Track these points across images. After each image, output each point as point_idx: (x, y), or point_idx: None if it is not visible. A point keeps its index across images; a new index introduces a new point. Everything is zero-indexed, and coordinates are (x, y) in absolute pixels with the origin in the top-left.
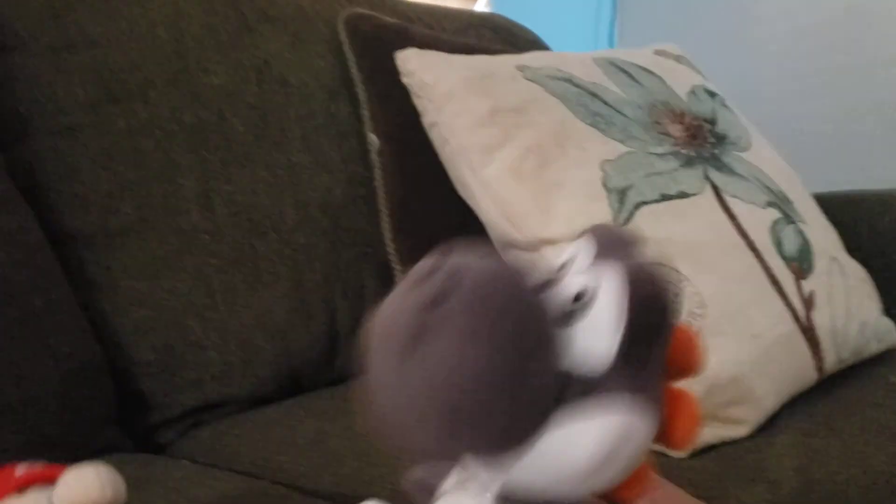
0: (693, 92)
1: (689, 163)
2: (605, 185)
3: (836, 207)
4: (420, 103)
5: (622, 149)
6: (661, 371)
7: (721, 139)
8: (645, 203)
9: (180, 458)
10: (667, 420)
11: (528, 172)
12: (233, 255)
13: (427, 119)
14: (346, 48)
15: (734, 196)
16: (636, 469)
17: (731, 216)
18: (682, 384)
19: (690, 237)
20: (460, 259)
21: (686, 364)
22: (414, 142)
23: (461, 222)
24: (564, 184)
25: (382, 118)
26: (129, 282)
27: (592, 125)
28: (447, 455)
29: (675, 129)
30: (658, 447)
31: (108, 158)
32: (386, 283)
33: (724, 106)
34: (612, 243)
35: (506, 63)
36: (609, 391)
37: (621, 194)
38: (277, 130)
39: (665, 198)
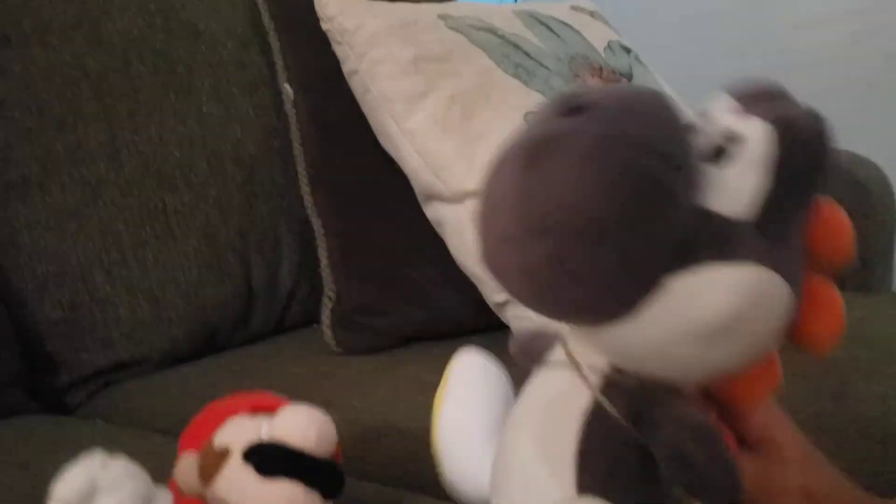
0: (609, 47)
1: None
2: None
3: None
4: (340, 50)
5: (544, 100)
6: (802, 249)
7: None
8: None
9: (93, 419)
10: (805, 314)
11: (452, 123)
12: (142, 208)
13: (347, 67)
14: None
15: None
16: (763, 363)
17: None
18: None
19: None
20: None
21: (833, 248)
22: (330, 92)
23: (382, 174)
24: (489, 135)
25: (297, 68)
26: (31, 236)
27: (515, 76)
28: (555, 297)
29: (595, 83)
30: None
31: (4, 105)
32: (303, 238)
33: (639, 61)
34: (756, 95)
35: (428, 11)
36: (749, 242)
37: None
38: (186, 79)
39: None
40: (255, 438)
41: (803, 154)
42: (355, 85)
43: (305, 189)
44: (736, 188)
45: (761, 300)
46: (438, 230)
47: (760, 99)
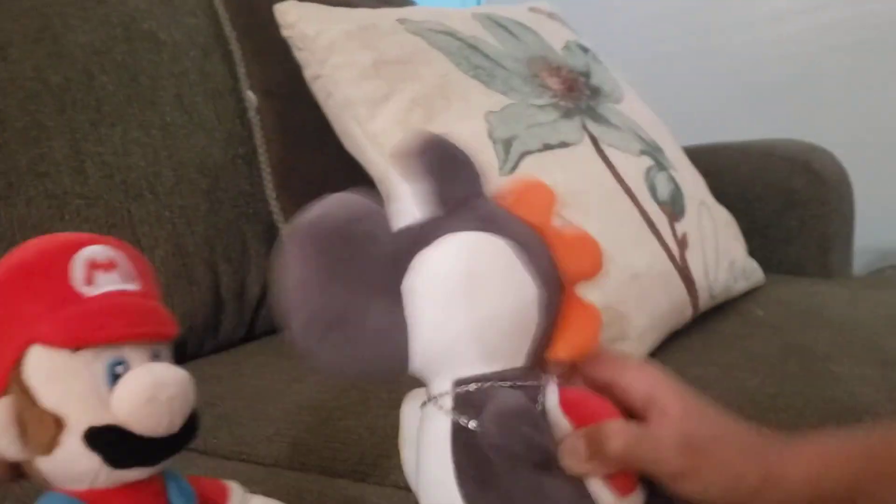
0: (567, 47)
1: (567, 114)
2: (490, 136)
3: (701, 157)
4: (301, 56)
5: (505, 101)
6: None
7: (596, 92)
8: (529, 153)
9: None
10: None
11: (414, 125)
12: (109, 219)
13: (309, 72)
14: (218, 4)
15: (610, 145)
16: (566, 314)
17: (609, 164)
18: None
19: (573, 184)
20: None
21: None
22: (293, 97)
23: (347, 177)
24: (451, 136)
25: (259, 75)
26: None
27: (475, 77)
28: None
29: (553, 82)
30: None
31: None
32: (270, 243)
33: (597, 60)
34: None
35: (387, 16)
36: (454, 224)
37: (506, 144)
38: (149, 89)
39: (547, 147)
40: (95, 413)
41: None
42: (318, 90)
43: (271, 194)
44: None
45: (482, 254)
46: None
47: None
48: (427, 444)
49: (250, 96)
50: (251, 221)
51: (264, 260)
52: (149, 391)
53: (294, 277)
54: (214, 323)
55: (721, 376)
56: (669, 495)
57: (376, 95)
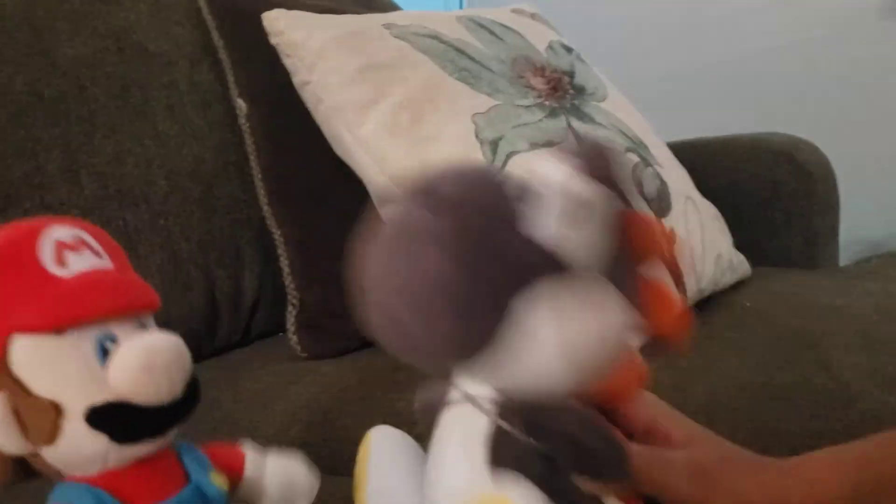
0: (551, 47)
1: (552, 113)
2: (477, 137)
3: (686, 152)
4: (290, 63)
5: (491, 102)
6: (627, 262)
7: (580, 91)
8: (516, 152)
9: None
10: (648, 311)
11: (402, 128)
12: (104, 228)
13: (298, 79)
14: (206, 14)
15: None
16: (624, 370)
17: None
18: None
19: None
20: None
21: (646, 247)
22: (282, 104)
23: (338, 181)
24: (439, 137)
25: (248, 82)
26: None
27: (461, 80)
28: (434, 354)
29: (538, 82)
30: (655, 348)
31: None
32: (264, 248)
33: (580, 59)
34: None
35: (373, 21)
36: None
37: (493, 145)
38: (141, 100)
39: (534, 146)
40: (92, 392)
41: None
42: (307, 96)
43: (263, 200)
44: (543, 226)
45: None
46: None
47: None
48: (453, 443)
49: (240, 104)
50: (245, 227)
51: (258, 264)
52: (144, 359)
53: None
54: (210, 328)
55: (709, 368)
56: None
57: (364, 100)
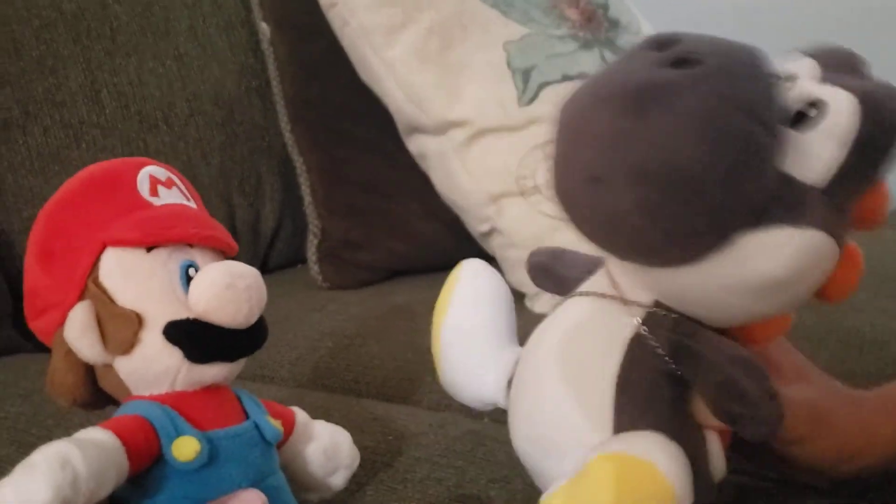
0: None
1: (586, 45)
2: (509, 66)
3: None
4: None
5: (523, 30)
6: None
7: (614, 23)
8: (548, 83)
9: None
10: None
11: (432, 54)
12: (124, 150)
13: (325, 0)
14: None
15: None
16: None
17: None
18: None
19: None
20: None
21: (872, 215)
22: (307, 28)
23: (362, 108)
24: (469, 65)
25: (272, 5)
26: (15, 179)
27: (493, 6)
28: (632, 240)
29: (572, 13)
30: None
31: None
32: (285, 177)
33: None
34: (840, 64)
35: None
36: (817, 209)
37: (525, 75)
38: (163, 19)
39: (566, 78)
40: (173, 309)
41: (885, 134)
42: (333, 18)
43: (285, 127)
44: (814, 155)
45: (817, 263)
46: (421, 163)
47: (844, 68)
48: (574, 331)
49: (263, 27)
50: (266, 155)
51: (279, 193)
52: (227, 279)
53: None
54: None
55: None
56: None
57: (392, 23)
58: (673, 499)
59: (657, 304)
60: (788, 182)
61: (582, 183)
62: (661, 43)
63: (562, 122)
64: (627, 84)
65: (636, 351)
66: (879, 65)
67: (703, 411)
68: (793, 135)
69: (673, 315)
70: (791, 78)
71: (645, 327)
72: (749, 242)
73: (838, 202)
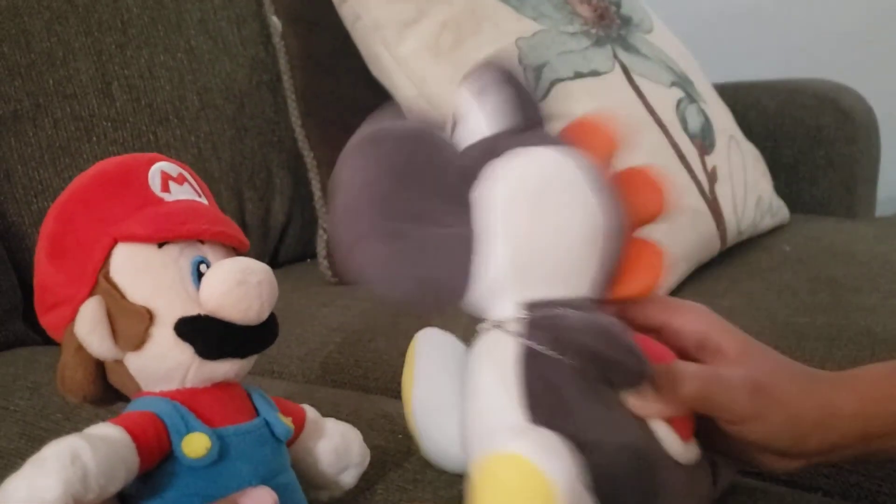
0: None
1: (598, 42)
2: (521, 62)
3: (728, 94)
4: None
5: (535, 26)
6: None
7: (626, 21)
8: (560, 80)
9: None
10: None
11: (444, 49)
12: (135, 143)
13: None
14: None
15: (641, 75)
16: (632, 255)
17: (640, 94)
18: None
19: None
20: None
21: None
22: (318, 22)
23: (373, 103)
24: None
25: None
26: (25, 171)
27: (505, 2)
28: None
29: (584, 10)
30: (618, 294)
31: None
32: (295, 172)
33: None
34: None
35: None
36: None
37: (537, 71)
38: (174, 12)
39: (578, 75)
40: (184, 305)
41: None
42: (345, 13)
43: (296, 121)
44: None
45: (554, 171)
46: None
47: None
48: (484, 370)
49: (274, 22)
50: (276, 149)
51: (289, 187)
52: (238, 275)
53: (358, 181)
54: None
55: (750, 307)
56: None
57: (405, 18)
58: (550, 493)
59: (523, 306)
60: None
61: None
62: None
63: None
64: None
65: (527, 363)
66: (880, 65)
67: (635, 400)
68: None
69: (540, 311)
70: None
71: (527, 339)
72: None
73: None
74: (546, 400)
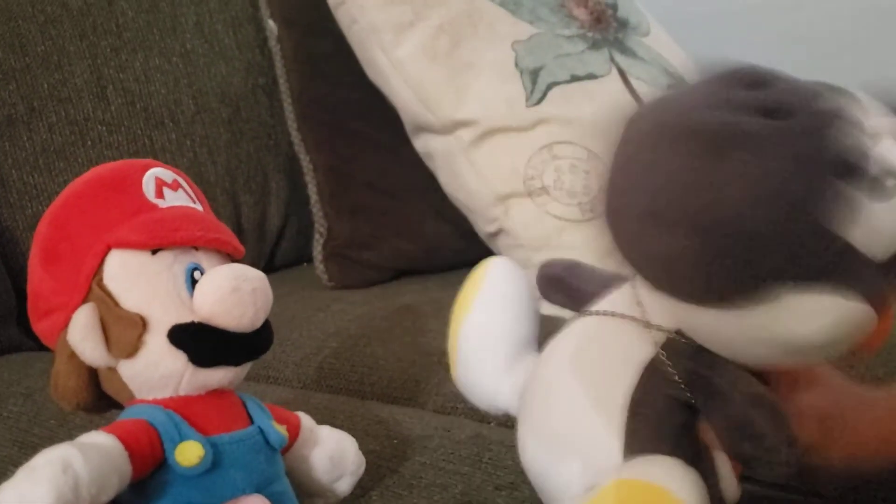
0: None
1: (595, 45)
2: (517, 66)
3: None
4: None
5: (531, 30)
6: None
7: (623, 24)
8: (556, 83)
9: None
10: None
11: (441, 53)
12: (130, 147)
13: None
14: None
15: (638, 79)
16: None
17: (637, 98)
18: None
19: (600, 117)
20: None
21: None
22: (314, 26)
23: (369, 107)
24: (477, 64)
25: (279, 2)
26: (20, 175)
27: (501, 5)
28: (673, 271)
29: (581, 13)
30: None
31: None
32: (291, 176)
33: None
34: None
35: None
36: (868, 282)
37: (533, 74)
38: (169, 16)
39: (575, 79)
40: (178, 313)
41: None
42: (341, 17)
43: (292, 125)
44: (882, 229)
45: (854, 332)
46: (428, 163)
47: None
48: (591, 348)
49: (271, 25)
50: (272, 153)
51: (285, 191)
52: (233, 282)
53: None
54: None
55: None
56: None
57: (401, 21)
58: None
59: (679, 332)
60: (849, 252)
61: (639, 215)
62: (750, 82)
63: (623, 149)
64: (708, 123)
65: (651, 375)
66: (881, 65)
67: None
68: (865, 204)
69: (694, 344)
70: (875, 136)
71: (664, 353)
72: (792, 302)
73: (892, 278)
74: (652, 417)
